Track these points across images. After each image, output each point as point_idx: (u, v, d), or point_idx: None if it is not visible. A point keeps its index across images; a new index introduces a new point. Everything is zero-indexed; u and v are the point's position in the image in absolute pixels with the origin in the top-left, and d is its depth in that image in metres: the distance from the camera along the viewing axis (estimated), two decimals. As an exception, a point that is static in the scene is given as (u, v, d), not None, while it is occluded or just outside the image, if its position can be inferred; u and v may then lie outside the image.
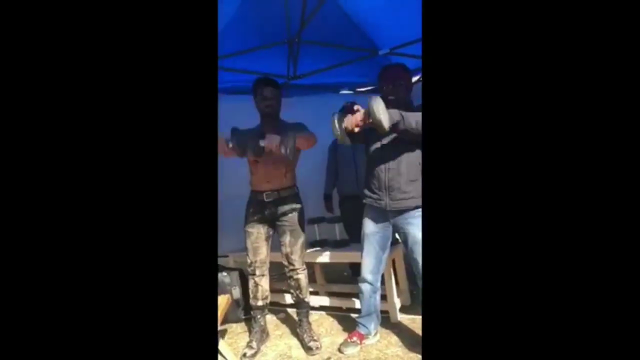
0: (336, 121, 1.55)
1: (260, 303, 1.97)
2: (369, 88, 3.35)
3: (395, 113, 1.51)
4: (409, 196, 1.65)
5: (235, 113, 1.92)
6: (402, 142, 1.66)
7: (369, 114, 1.46)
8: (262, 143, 1.70)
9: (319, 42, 2.27)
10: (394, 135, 1.68)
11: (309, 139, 1.83)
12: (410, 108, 1.73)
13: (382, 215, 1.76)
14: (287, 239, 1.92)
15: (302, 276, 1.95)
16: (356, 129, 1.54)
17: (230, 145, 1.72)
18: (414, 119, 1.51)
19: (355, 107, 1.55)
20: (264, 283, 1.98)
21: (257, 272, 1.95)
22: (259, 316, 1.99)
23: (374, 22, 2.17)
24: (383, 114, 1.43)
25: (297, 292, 1.95)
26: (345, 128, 1.54)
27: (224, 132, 1.72)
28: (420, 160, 1.66)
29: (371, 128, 1.75)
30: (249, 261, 1.96)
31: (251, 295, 1.99)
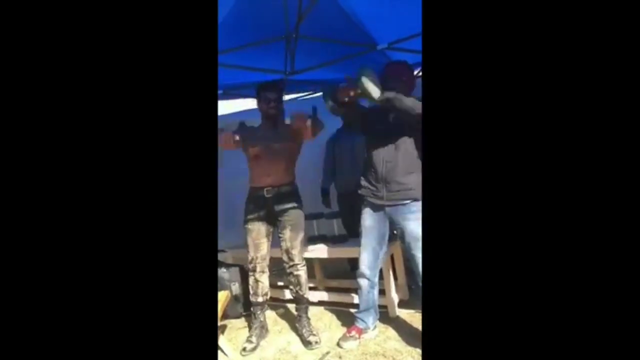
0: (329, 98, 1.63)
1: (260, 299, 1.99)
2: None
3: (391, 92, 1.55)
4: (406, 188, 1.67)
5: (233, 110, 1.92)
6: (400, 134, 1.67)
7: (357, 85, 1.50)
8: (288, 120, 1.81)
9: (317, 37, 2.26)
10: (392, 126, 1.70)
11: (318, 123, 1.88)
12: None
13: (379, 211, 1.77)
14: (287, 234, 1.93)
15: (302, 272, 1.96)
16: (346, 99, 1.59)
17: (237, 137, 1.81)
18: (411, 100, 1.54)
19: (346, 77, 1.60)
20: (264, 279, 1.99)
21: (258, 269, 1.97)
22: (258, 312, 2.01)
23: (372, 17, 2.16)
24: (372, 84, 1.48)
25: (297, 288, 1.96)
26: (337, 98, 1.61)
27: (224, 128, 1.77)
28: (417, 153, 1.67)
29: (371, 117, 1.76)
30: (249, 258, 1.97)
31: (251, 292, 2.00)
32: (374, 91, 1.50)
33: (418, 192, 1.63)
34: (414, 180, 1.64)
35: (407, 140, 1.68)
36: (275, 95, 1.94)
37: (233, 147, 1.87)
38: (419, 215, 1.63)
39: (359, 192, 1.83)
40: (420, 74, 2.63)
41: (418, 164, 1.66)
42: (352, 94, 1.55)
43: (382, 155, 1.71)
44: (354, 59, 2.56)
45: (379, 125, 1.75)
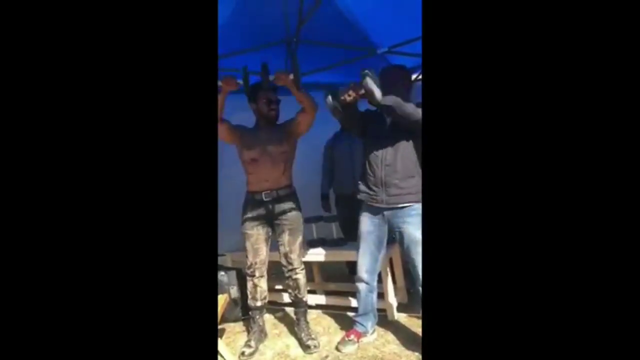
0: (330, 96, 1.65)
1: (259, 303, 1.98)
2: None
3: (391, 97, 1.55)
4: (405, 192, 1.67)
5: (231, 112, 1.93)
6: (399, 138, 1.68)
7: (360, 85, 1.52)
8: (271, 77, 1.76)
9: (317, 41, 2.27)
10: (391, 130, 1.70)
11: (313, 105, 1.88)
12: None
13: (378, 214, 1.77)
14: (285, 238, 1.92)
15: (301, 276, 1.96)
16: (348, 99, 1.60)
17: (240, 81, 1.77)
18: (411, 106, 1.55)
19: (350, 83, 1.61)
20: (263, 284, 1.98)
21: (257, 274, 1.95)
22: (257, 316, 2.00)
23: (372, 21, 2.17)
24: (375, 85, 1.50)
25: (296, 292, 1.96)
26: (342, 100, 1.62)
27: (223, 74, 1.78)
28: (416, 157, 1.67)
29: (370, 121, 1.76)
30: (248, 262, 1.96)
31: (250, 297, 1.99)
32: (377, 92, 1.51)
33: (417, 196, 1.63)
34: (414, 184, 1.65)
35: (406, 144, 1.68)
36: (276, 97, 1.94)
37: (234, 88, 1.82)
38: (419, 218, 1.63)
39: (358, 197, 1.83)
40: (421, 77, 2.64)
41: (417, 167, 1.67)
42: (354, 94, 1.57)
43: (381, 159, 1.70)
44: (354, 63, 2.57)
45: (378, 128, 1.75)
